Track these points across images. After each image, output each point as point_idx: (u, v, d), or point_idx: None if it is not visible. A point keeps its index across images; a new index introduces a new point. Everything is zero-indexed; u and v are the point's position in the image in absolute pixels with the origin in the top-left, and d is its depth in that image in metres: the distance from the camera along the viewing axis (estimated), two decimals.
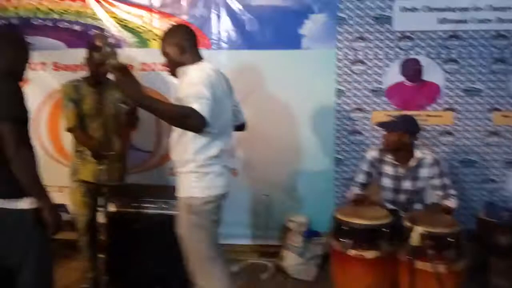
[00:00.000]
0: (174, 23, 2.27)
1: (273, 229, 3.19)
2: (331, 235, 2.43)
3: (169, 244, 2.53)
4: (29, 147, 1.77)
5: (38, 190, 1.78)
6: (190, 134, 1.86)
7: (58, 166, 3.11)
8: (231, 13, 3.12)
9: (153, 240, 2.60)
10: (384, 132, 2.60)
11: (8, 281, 1.90)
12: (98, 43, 1.79)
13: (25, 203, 1.79)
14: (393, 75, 3.09)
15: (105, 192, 2.79)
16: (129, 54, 3.18)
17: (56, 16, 3.18)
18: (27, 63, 1.95)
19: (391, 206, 2.61)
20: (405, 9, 3.03)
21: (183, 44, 1.95)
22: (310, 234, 3.05)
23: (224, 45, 3.16)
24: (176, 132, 1.95)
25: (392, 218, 2.33)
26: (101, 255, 3.06)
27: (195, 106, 1.70)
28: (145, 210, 2.67)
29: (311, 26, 3.07)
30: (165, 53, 1.98)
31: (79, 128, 2.66)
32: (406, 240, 1.97)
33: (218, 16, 3.13)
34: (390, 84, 3.11)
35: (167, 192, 2.73)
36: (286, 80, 3.11)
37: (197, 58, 1.98)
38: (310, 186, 3.18)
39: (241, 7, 3.10)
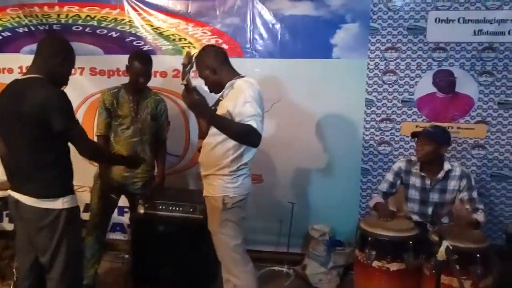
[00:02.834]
0: (202, 47, 2.42)
1: (296, 237, 3.18)
2: (355, 246, 2.41)
3: (193, 247, 2.61)
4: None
5: (113, 160, 2.50)
6: (231, 143, 2.07)
7: (90, 168, 3.05)
8: (264, 22, 3.15)
9: (178, 243, 2.65)
10: (417, 142, 2.57)
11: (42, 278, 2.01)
12: (185, 61, 2.02)
13: (60, 203, 1.90)
14: (425, 86, 3.04)
15: (131, 195, 2.88)
16: (163, 61, 3.28)
17: (95, 23, 3.30)
18: (71, 69, 2.08)
19: (417, 219, 2.57)
20: (440, 20, 2.98)
21: (213, 65, 2.17)
22: (333, 244, 3.04)
23: (255, 53, 3.20)
24: (215, 139, 2.11)
25: (418, 231, 2.29)
26: (125, 255, 3.15)
27: (253, 124, 1.94)
28: (172, 213, 2.73)
29: (343, 35, 3.06)
30: (201, 76, 2.21)
31: (105, 137, 2.78)
32: (432, 254, 1.93)
33: (251, 25, 3.17)
34: (422, 95, 3.05)
35: (194, 196, 2.80)
36: (316, 88, 3.12)
37: (232, 73, 2.20)
38: (335, 195, 3.16)
39: (273, 16, 3.13)
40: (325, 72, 3.11)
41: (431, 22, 2.98)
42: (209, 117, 2.00)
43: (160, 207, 2.75)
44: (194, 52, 2.14)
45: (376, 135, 3.14)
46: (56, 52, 1.98)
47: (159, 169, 2.96)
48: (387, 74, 3.07)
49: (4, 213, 3.52)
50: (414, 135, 2.64)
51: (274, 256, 3.23)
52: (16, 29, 3.40)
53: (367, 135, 3.14)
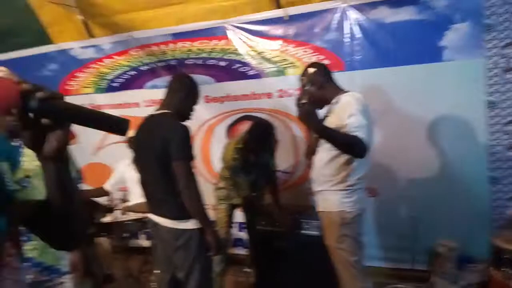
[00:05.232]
0: (310, 63, 2.46)
1: (421, 253, 3.00)
2: (490, 263, 2.22)
3: (311, 263, 2.64)
4: (195, 180, 2.08)
5: (203, 217, 2.08)
6: (344, 158, 2.10)
7: (208, 186, 3.29)
8: (364, 33, 3.10)
9: (296, 258, 2.71)
10: None
11: None
12: (304, 81, 2.21)
13: (193, 224, 2.09)
14: None
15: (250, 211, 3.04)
16: (268, 83, 3.42)
17: (205, 55, 3.58)
18: (195, 104, 2.29)
19: None
20: None
21: (321, 81, 2.23)
22: (463, 260, 2.81)
23: (357, 65, 3.15)
24: (327, 154, 2.15)
25: None
26: (248, 270, 3.30)
27: (360, 134, 1.94)
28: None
29: (453, 37, 2.87)
30: (306, 91, 2.23)
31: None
32: None
33: (351, 38, 3.15)
34: None
35: (307, 212, 2.84)
36: (425, 94, 2.97)
37: (337, 89, 2.25)
38: (461, 207, 2.92)
39: (374, 26, 3.07)
40: (435, 77, 2.93)
41: None
42: (318, 128, 2.04)
43: (277, 223, 2.85)
44: (313, 71, 2.21)
45: (504, 139, 2.85)
46: (182, 88, 2.21)
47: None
48: (510, 72, 2.80)
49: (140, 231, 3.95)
50: None
51: (397, 273, 3.11)
52: (139, 68, 3.83)
53: (492, 140, 2.87)
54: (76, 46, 3.97)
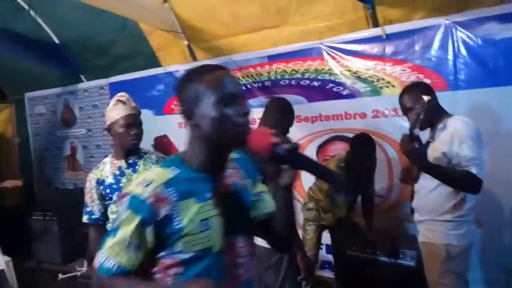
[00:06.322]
0: (415, 81, 2.34)
1: None
2: None
3: None
4: None
5: (296, 239, 2.13)
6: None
7: (298, 206, 3.32)
8: (470, 51, 2.89)
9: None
10: None
11: None
12: (419, 110, 2.04)
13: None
14: None
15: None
16: (361, 103, 3.35)
17: (299, 76, 3.62)
18: (289, 125, 2.36)
19: None
20: None
21: (433, 100, 2.06)
22: None
23: (462, 84, 2.93)
24: (432, 181, 2.01)
25: None
26: None
27: (473, 169, 1.82)
28: (378, 257, 2.68)
29: None
30: (411, 108, 2.10)
31: None
32: None
33: (455, 55, 2.95)
34: None
35: (402, 240, 2.69)
36: None
37: (442, 112, 2.10)
38: None
39: (482, 42, 2.84)
40: None
41: None
42: (427, 169, 1.95)
43: (367, 250, 2.74)
44: (428, 99, 2.03)
45: None
46: (278, 110, 2.30)
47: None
48: None
49: None
50: None
51: None
52: None
53: None
54: (181, 69, 4.26)
